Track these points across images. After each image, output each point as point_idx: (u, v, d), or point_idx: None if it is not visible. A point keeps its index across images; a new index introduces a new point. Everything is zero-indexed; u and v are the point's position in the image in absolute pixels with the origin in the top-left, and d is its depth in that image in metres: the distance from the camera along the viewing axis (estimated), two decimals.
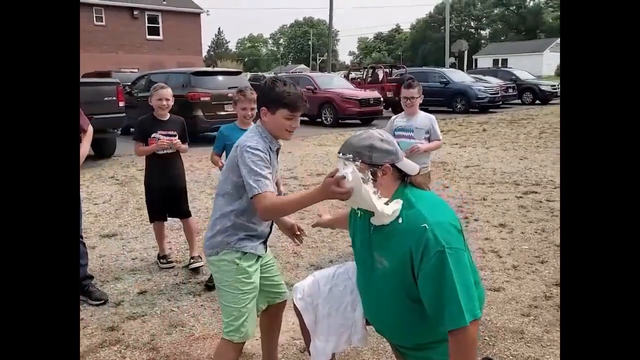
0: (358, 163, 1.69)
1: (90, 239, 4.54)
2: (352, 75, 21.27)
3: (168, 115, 3.77)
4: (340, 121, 14.02)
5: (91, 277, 3.39)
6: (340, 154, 1.75)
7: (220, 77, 10.92)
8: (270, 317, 2.36)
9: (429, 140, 4.01)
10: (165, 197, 3.80)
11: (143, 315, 3.08)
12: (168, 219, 3.95)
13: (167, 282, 3.60)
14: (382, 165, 1.71)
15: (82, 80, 8.71)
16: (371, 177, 1.70)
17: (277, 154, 2.12)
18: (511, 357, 2.60)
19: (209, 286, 3.41)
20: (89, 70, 15.37)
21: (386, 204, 1.71)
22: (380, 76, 17.68)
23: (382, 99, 14.98)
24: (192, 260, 3.76)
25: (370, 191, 1.69)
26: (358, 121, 14.56)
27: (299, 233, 2.31)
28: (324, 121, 14.19)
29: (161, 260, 3.88)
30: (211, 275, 3.34)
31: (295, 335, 2.78)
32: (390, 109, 17.10)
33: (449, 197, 5.91)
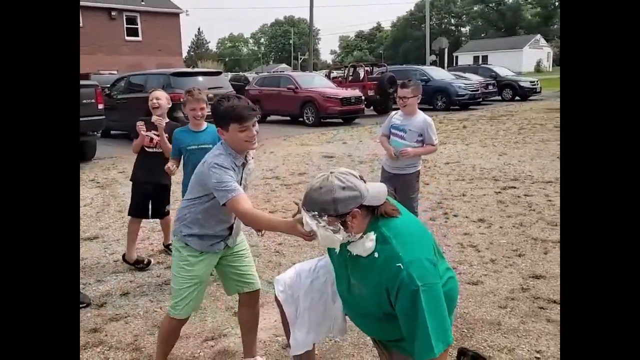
0: (325, 217, 1.70)
1: (83, 242, 4.52)
2: (334, 74, 21.33)
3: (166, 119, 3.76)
4: (322, 120, 14.07)
5: None
6: (305, 209, 1.75)
7: (200, 78, 10.87)
8: (245, 308, 2.46)
9: (423, 143, 3.83)
10: (150, 194, 3.83)
11: (126, 317, 3.09)
12: (150, 219, 3.96)
13: (150, 284, 3.60)
14: (349, 212, 1.70)
15: None
16: (341, 227, 1.71)
17: (243, 168, 2.20)
18: (488, 348, 2.67)
19: None
20: None
21: (361, 237, 1.74)
22: (362, 75, 17.77)
23: (363, 97, 15.06)
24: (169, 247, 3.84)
25: (342, 237, 1.72)
26: (340, 120, 14.63)
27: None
28: (306, 120, 14.23)
29: (137, 266, 3.85)
30: None
31: (277, 332, 2.82)
32: (371, 107, 17.22)
33: (429, 194, 6.00)
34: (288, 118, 15.11)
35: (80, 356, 2.66)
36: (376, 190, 1.78)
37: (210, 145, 3.35)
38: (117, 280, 3.67)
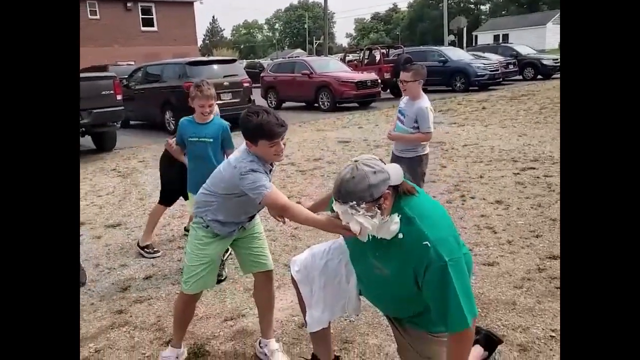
0: (363, 205, 1.72)
1: (95, 230, 4.67)
2: (349, 57, 21.18)
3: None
4: (337, 105, 14.01)
5: None
6: (341, 202, 1.75)
7: (215, 66, 10.93)
8: (259, 289, 2.55)
9: (419, 129, 3.71)
10: (182, 177, 3.82)
11: (149, 299, 3.20)
12: (176, 203, 4.06)
13: (171, 268, 3.71)
14: (382, 195, 1.73)
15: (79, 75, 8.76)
16: (378, 210, 1.74)
17: (270, 172, 2.27)
18: (502, 327, 2.70)
19: (217, 280, 3.47)
20: (85, 65, 15.34)
21: (385, 220, 1.76)
22: (377, 57, 17.59)
23: (379, 80, 14.93)
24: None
25: (378, 221, 1.75)
26: (355, 104, 14.57)
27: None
28: (321, 106, 14.20)
29: (146, 250, 3.93)
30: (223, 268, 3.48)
31: (293, 312, 2.89)
32: (388, 90, 17.07)
33: (447, 176, 5.99)
34: (303, 104, 15.11)
35: (108, 336, 2.78)
36: (394, 170, 1.82)
37: (211, 140, 3.41)
38: (139, 265, 3.79)
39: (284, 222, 2.42)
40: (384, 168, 1.77)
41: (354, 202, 1.72)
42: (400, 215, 1.77)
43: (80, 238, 4.43)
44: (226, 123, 3.54)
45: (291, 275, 2.22)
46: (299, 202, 2.54)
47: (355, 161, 1.78)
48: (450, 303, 1.68)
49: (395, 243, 1.77)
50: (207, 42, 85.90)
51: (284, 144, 2.18)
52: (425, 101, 3.76)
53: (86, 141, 9.36)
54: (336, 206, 1.78)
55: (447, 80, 17.28)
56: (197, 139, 3.38)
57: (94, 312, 3.06)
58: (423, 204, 1.83)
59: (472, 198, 5.07)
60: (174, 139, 3.52)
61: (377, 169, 1.74)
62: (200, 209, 2.33)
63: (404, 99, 3.89)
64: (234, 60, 11.84)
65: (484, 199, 5.02)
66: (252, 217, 2.41)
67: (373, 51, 18.67)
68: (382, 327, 2.71)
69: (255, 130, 2.09)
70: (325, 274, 2.14)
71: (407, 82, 3.72)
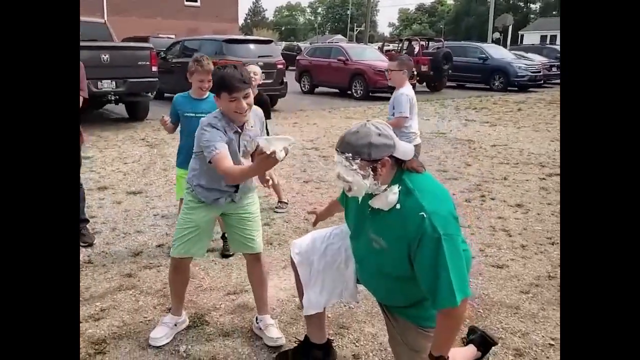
0: (358, 161, 1.74)
1: (117, 195, 4.82)
2: (388, 47, 20.90)
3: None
4: (370, 94, 13.90)
5: (86, 221, 3.70)
6: (338, 151, 1.79)
7: (251, 46, 10.99)
8: (249, 269, 2.60)
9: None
10: None
11: (158, 266, 3.31)
12: None
13: None
14: (381, 159, 1.75)
15: (117, 44, 8.95)
16: (372, 172, 1.75)
17: (240, 137, 2.30)
18: (501, 330, 2.68)
19: (225, 255, 3.54)
20: (128, 35, 15.67)
21: (384, 190, 1.79)
22: (416, 49, 17.31)
23: (415, 72, 14.70)
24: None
25: (369, 184, 1.77)
26: (389, 94, 14.39)
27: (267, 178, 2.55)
28: (354, 93, 14.11)
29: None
30: (224, 244, 3.55)
31: (296, 293, 2.93)
32: (424, 83, 16.81)
33: (470, 175, 5.90)
34: (337, 90, 15.05)
35: (115, 297, 2.90)
36: (406, 146, 1.84)
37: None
38: (154, 232, 3.91)
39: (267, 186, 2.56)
40: (391, 135, 1.79)
41: (350, 155, 1.75)
42: (400, 187, 1.77)
43: (102, 202, 4.59)
44: None
45: (290, 258, 2.25)
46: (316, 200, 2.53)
47: (368, 121, 1.82)
48: (441, 278, 1.66)
49: (393, 214, 1.77)
50: (249, 21, 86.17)
51: (249, 105, 2.20)
52: (406, 89, 3.91)
53: (119, 109, 9.60)
54: (335, 156, 1.82)
55: (486, 78, 16.89)
56: (193, 114, 3.37)
57: (104, 273, 3.19)
58: (426, 180, 1.83)
59: (492, 199, 4.99)
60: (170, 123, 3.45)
61: (383, 133, 1.77)
62: (190, 173, 2.41)
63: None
64: (270, 41, 11.88)
65: (504, 201, 4.93)
66: (237, 187, 2.41)
67: (412, 42, 18.37)
68: (380, 317, 2.71)
69: (218, 82, 2.17)
70: (324, 258, 2.17)
71: (392, 70, 3.90)
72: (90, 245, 3.57)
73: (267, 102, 4.24)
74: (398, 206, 1.76)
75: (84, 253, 3.47)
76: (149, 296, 2.92)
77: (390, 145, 1.77)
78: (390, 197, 1.77)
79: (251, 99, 2.22)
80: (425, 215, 1.68)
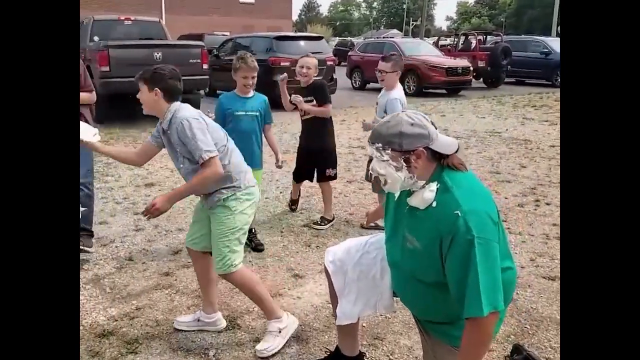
0: (389, 151, 1.66)
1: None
2: (444, 41, 20.32)
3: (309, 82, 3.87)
4: (424, 90, 13.56)
5: (91, 234, 3.47)
6: (370, 142, 1.71)
7: (302, 42, 10.96)
8: (203, 266, 2.55)
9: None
10: (307, 158, 4.04)
11: None
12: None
13: None
14: (414, 150, 1.65)
15: (170, 42, 9.20)
16: (404, 164, 1.66)
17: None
18: (550, 349, 2.48)
19: (257, 249, 3.55)
20: (183, 32, 16.12)
21: (423, 187, 1.68)
22: (473, 44, 16.71)
23: (471, 68, 14.19)
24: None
25: (403, 177, 1.67)
26: (443, 91, 14.01)
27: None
28: (407, 90, 13.76)
29: (292, 206, 4.38)
30: (254, 239, 3.55)
31: (330, 299, 2.85)
32: (481, 79, 16.21)
33: (524, 177, 5.58)
34: None
35: (151, 296, 2.93)
36: (447, 140, 1.71)
37: (257, 113, 3.40)
38: None
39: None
40: (426, 125, 1.68)
41: (380, 145, 1.67)
42: (438, 185, 1.66)
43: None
44: (265, 96, 3.52)
45: (324, 265, 2.18)
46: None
47: (402, 111, 1.74)
48: (469, 284, 1.53)
49: (428, 212, 1.66)
50: (303, 17, 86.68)
51: (138, 98, 2.33)
52: (397, 92, 3.77)
53: None
54: (368, 148, 1.75)
55: (548, 74, 15.99)
56: (244, 112, 3.37)
57: (143, 271, 3.24)
58: (467, 178, 1.70)
59: (547, 204, 4.68)
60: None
61: (417, 122, 1.67)
62: None
63: (382, 90, 3.92)
64: (320, 38, 11.81)
65: (560, 206, 4.62)
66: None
67: (469, 37, 17.77)
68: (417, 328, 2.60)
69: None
70: (359, 267, 2.08)
71: (386, 72, 3.73)
72: (87, 252, 3.39)
73: (321, 86, 4.17)
74: (434, 204, 1.65)
75: (125, 250, 3.56)
76: (184, 296, 2.94)
77: (424, 136, 1.66)
78: (426, 194, 1.66)
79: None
80: (459, 214, 1.55)
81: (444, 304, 1.74)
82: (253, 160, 3.23)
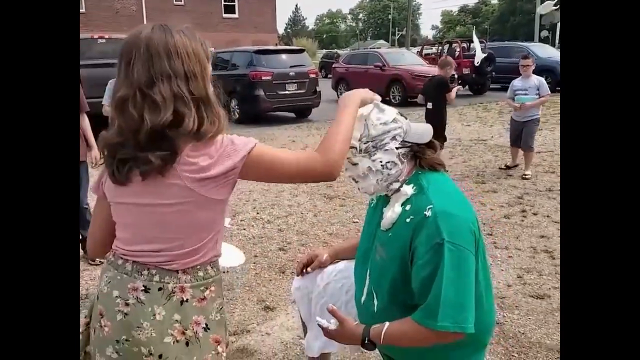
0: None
1: None
2: (428, 50, 20.34)
3: None
4: (409, 100, 13.44)
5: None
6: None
7: (283, 56, 10.85)
8: None
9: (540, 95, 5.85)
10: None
11: None
12: None
13: None
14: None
15: None
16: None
17: None
18: None
19: None
20: None
21: (397, 190, 1.50)
22: (457, 52, 16.70)
23: (456, 76, 14.11)
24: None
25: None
26: None
27: None
28: (392, 100, 13.70)
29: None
30: None
31: (302, 334, 2.64)
32: (466, 87, 16.16)
33: (510, 187, 5.42)
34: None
35: None
36: (420, 128, 1.52)
37: None
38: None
39: None
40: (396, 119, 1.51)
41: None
42: (414, 187, 1.47)
43: None
44: None
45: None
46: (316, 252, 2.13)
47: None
48: (432, 292, 1.30)
49: (399, 216, 1.46)
50: (289, 30, 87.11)
51: None
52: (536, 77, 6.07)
53: None
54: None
55: None
56: None
57: None
58: (446, 182, 1.51)
59: (535, 214, 4.51)
60: None
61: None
62: None
63: (518, 80, 6.06)
64: (302, 51, 11.70)
65: (547, 216, 4.45)
66: None
67: (452, 45, 17.79)
68: None
69: None
70: (322, 299, 1.88)
71: (529, 66, 5.98)
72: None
73: (443, 83, 5.67)
74: (408, 207, 1.45)
75: None
76: None
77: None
78: (389, 214, 1.49)
79: None
80: (429, 215, 1.35)
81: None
82: None
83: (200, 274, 1.23)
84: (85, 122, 3.58)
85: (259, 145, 1.22)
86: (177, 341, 1.19)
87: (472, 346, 1.50)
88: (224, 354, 1.29)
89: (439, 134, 5.99)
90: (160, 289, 1.19)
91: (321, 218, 4.58)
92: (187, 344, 1.20)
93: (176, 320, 1.19)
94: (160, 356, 1.17)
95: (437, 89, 5.84)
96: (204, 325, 1.23)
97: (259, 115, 10.43)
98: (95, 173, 1.93)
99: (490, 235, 4.04)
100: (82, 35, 9.82)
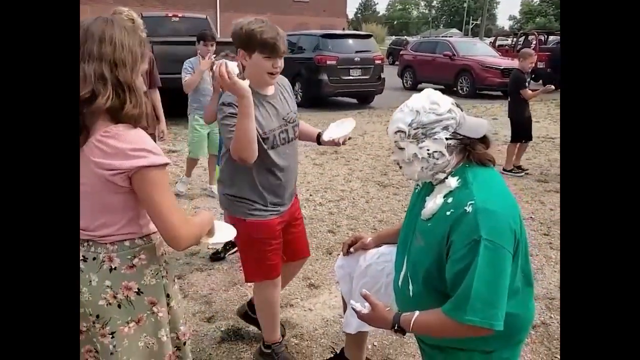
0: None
1: (193, 191, 4.92)
2: (503, 41, 19.47)
3: None
4: (477, 92, 13.00)
5: None
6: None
7: (350, 41, 10.79)
8: None
9: None
10: None
11: (210, 269, 3.25)
12: None
13: None
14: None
15: (218, 40, 9.24)
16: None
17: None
18: None
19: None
20: None
21: (442, 181, 1.51)
22: (533, 44, 15.87)
23: (530, 69, 13.45)
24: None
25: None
26: (499, 93, 13.36)
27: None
28: (460, 90, 13.28)
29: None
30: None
31: (342, 313, 2.69)
32: (540, 81, 15.36)
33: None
34: (442, 87, 14.31)
35: None
36: (475, 122, 1.50)
37: None
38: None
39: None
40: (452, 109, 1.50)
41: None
42: (459, 180, 1.47)
43: (177, 199, 4.70)
44: None
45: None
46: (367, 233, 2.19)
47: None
48: (464, 285, 1.32)
49: (441, 207, 1.47)
50: (359, 15, 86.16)
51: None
52: None
53: None
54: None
55: None
56: None
57: None
58: (492, 178, 1.49)
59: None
60: None
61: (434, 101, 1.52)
62: None
63: None
64: (369, 36, 11.57)
65: None
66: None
67: (529, 37, 16.92)
68: None
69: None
70: (363, 279, 1.94)
71: None
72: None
73: (517, 78, 5.56)
74: (450, 199, 1.45)
75: None
76: (192, 301, 2.85)
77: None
78: (430, 205, 1.50)
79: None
80: (471, 210, 1.35)
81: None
82: None
83: (127, 244, 1.36)
84: (157, 97, 3.76)
85: (156, 172, 1.26)
86: (110, 304, 1.35)
87: (503, 341, 1.49)
88: (161, 314, 1.42)
89: (519, 131, 5.69)
90: (94, 258, 1.35)
91: (373, 205, 4.58)
92: (119, 306, 1.36)
93: (107, 286, 1.35)
94: (97, 316, 1.35)
95: (513, 84, 5.62)
96: (136, 290, 1.38)
97: (321, 100, 10.50)
98: (160, 146, 2.05)
99: (547, 235, 3.88)
100: (156, 13, 10.30)
